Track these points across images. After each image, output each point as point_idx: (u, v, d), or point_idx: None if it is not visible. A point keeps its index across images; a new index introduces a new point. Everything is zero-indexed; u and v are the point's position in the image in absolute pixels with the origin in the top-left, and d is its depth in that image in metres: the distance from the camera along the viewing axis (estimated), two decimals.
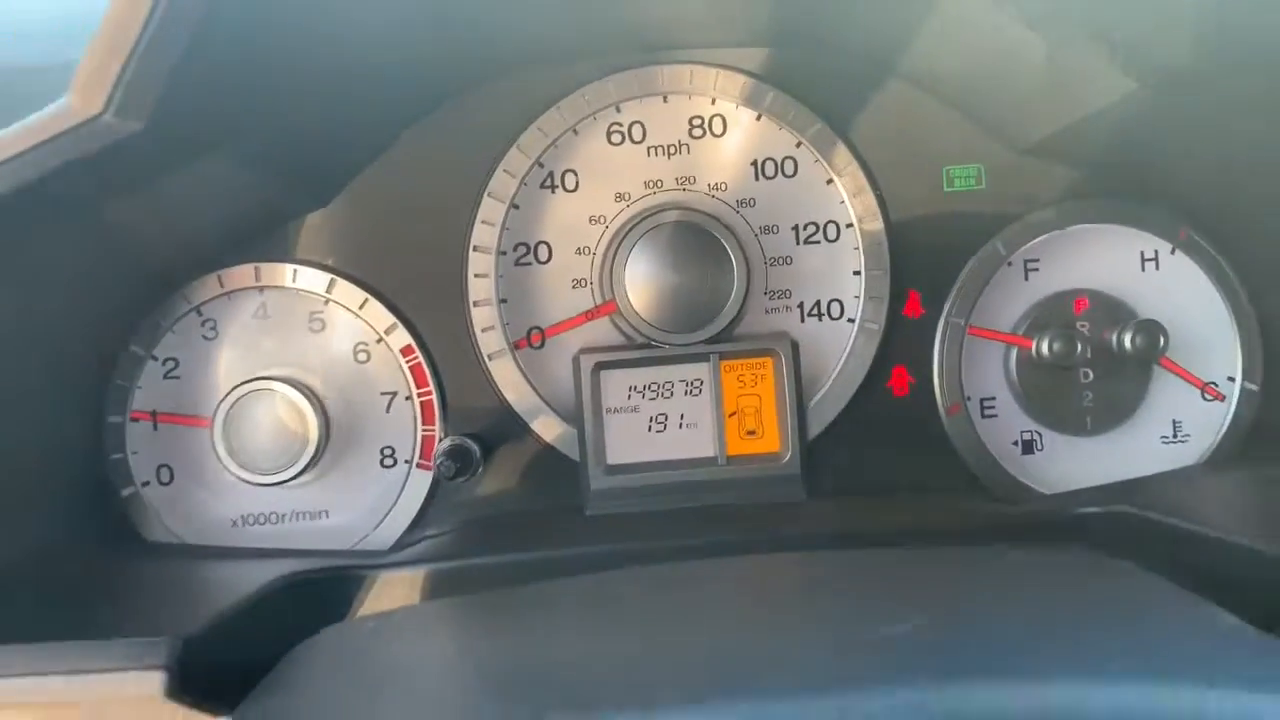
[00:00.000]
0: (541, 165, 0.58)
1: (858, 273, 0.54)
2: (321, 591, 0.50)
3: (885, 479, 0.53)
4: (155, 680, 0.37)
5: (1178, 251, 0.51)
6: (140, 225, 0.53)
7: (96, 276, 0.54)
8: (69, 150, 0.41)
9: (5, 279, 0.47)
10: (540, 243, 0.57)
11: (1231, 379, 0.51)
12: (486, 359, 0.58)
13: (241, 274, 0.58)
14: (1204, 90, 0.46)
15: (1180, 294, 0.52)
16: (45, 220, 0.45)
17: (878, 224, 0.53)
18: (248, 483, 0.57)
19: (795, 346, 0.54)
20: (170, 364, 0.58)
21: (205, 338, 0.58)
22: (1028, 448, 0.51)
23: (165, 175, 0.50)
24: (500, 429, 0.59)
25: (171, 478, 0.58)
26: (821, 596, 0.38)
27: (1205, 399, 0.53)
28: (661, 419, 0.56)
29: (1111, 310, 0.51)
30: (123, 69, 0.41)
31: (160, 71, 0.41)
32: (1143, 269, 0.52)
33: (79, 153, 0.41)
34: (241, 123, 0.52)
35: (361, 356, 0.60)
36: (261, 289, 0.58)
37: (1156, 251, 0.51)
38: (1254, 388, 0.49)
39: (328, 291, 0.59)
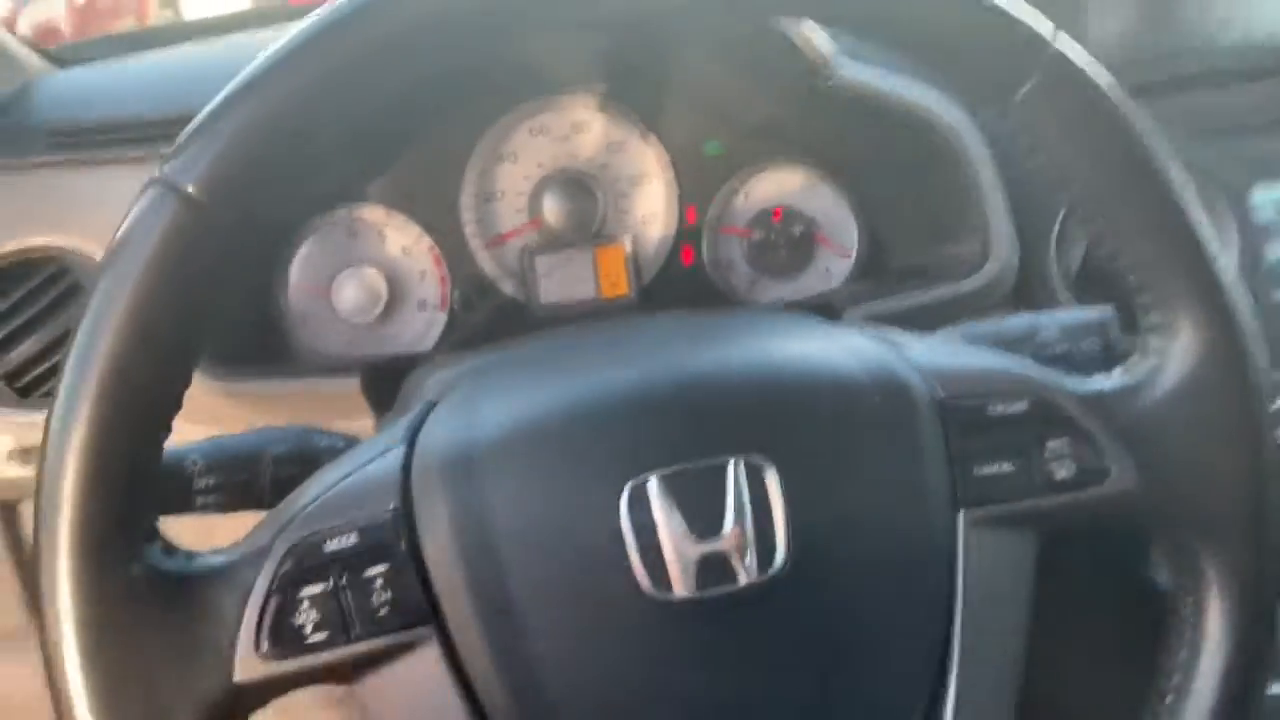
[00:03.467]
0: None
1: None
2: None
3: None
4: None
5: (826, 181, 0.76)
6: None
7: None
8: None
9: None
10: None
11: (850, 248, 0.76)
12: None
13: None
14: None
15: (823, 204, 0.76)
16: None
17: (671, 174, 0.76)
18: None
19: (634, 238, 0.75)
20: None
21: None
22: (751, 288, 0.77)
23: None
24: None
25: None
26: None
27: (840, 257, 0.77)
28: None
29: (792, 213, 0.75)
30: None
31: None
32: (804, 191, 0.76)
33: None
34: None
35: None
36: None
37: (812, 183, 0.75)
38: (862, 249, 0.75)
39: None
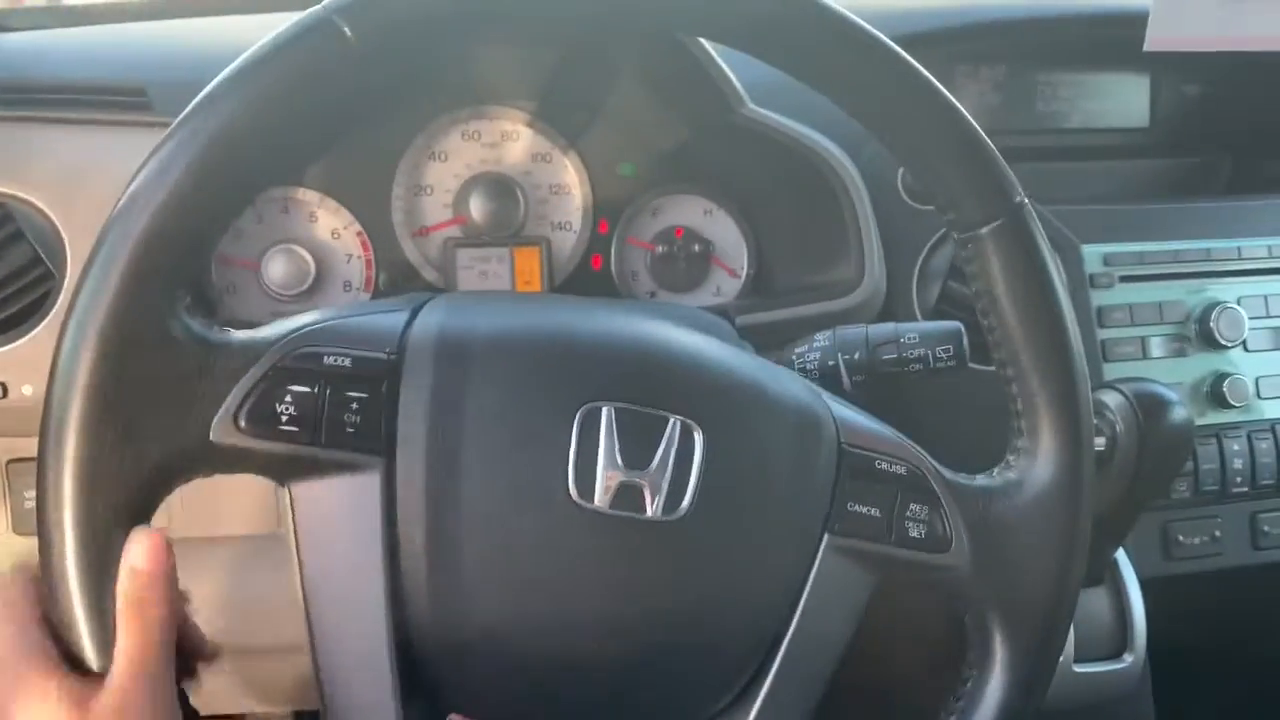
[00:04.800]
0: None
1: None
2: None
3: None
4: None
5: (724, 209, 0.84)
6: None
7: None
8: None
9: None
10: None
11: (740, 269, 0.84)
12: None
13: None
14: None
15: (720, 228, 0.84)
16: None
17: (588, 188, 0.83)
18: None
19: (549, 242, 0.81)
20: None
21: None
22: (650, 298, 0.84)
23: None
24: None
25: None
26: None
27: (731, 276, 0.84)
28: None
29: (692, 233, 0.82)
30: None
31: None
32: (704, 215, 0.84)
33: None
34: None
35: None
36: None
37: (711, 209, 0.84)
38: (750, 271, 0.84)
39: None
